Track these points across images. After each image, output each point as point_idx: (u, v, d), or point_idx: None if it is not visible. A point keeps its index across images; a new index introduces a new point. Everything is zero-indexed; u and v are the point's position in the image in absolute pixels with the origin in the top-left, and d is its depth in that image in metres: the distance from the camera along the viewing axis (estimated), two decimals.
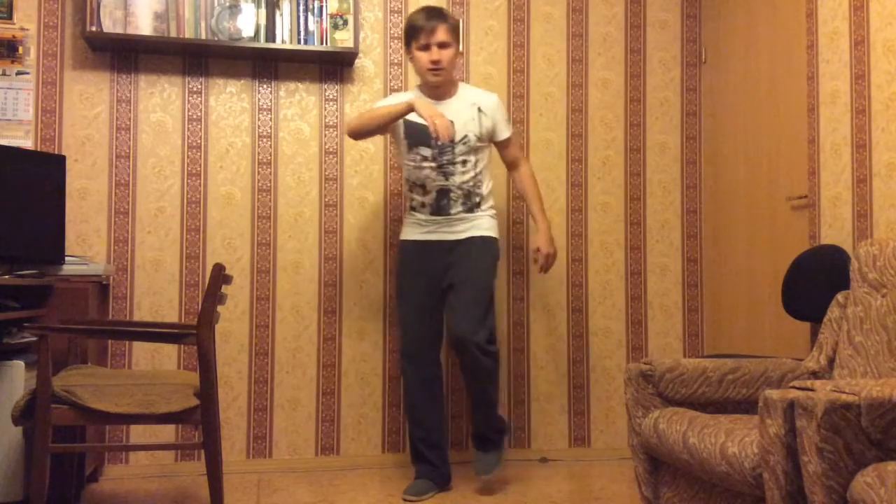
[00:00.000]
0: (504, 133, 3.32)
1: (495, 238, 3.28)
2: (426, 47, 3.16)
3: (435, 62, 3.15)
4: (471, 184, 3.21)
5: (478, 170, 3.23)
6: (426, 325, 3.26)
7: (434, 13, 3.19)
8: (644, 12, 4.08)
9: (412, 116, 3.18)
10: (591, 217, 3.99)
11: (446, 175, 3.19)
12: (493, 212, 3.30)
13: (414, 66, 3.26)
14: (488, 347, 3.13)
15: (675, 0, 4.11)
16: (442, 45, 3.16)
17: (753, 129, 3.66)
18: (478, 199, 3.24)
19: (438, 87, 3.23)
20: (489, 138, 3.29)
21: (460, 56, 3.27)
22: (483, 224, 3.24)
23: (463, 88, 3.31)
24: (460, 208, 3.21)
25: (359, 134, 3.24)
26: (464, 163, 3.19)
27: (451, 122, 3.09)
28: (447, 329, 3.24)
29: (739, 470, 1.99)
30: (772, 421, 1.83)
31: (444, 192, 3.20)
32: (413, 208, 3.28)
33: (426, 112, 3.05)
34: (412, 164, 3.22)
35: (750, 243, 3.68)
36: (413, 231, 3.28)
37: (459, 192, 3.20)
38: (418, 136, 3.20)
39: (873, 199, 2.91)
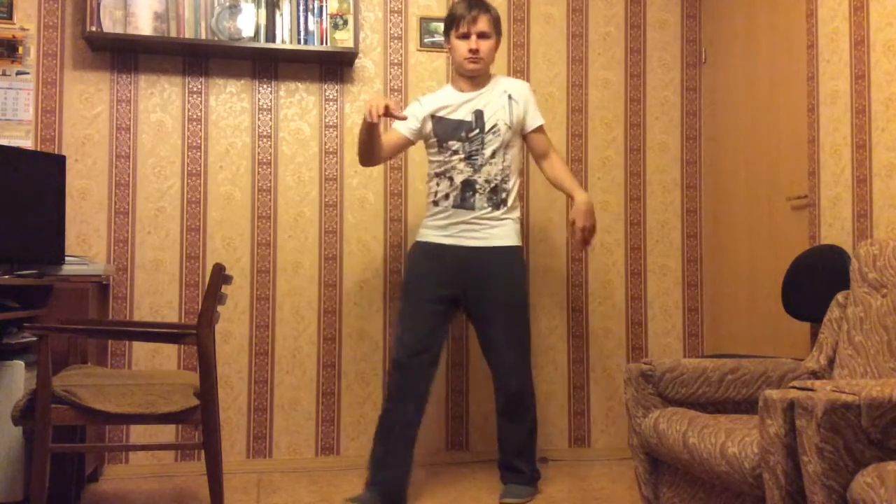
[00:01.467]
0: (536, 121, 3.25)
1: (519, 247, 3.19)
2: (466, 36, 3.13)
3: (473, 51, 3.12)
4: (498, 178, 3.13)
5: (506, 164, 3.15)
6: (424, 333, 3.06)
7: (476, 3, 3.16)
8: (644, 12, 4.08)
9: (441, 112, 3.17)
10: None
11: (475, 167, 3.12)
12: (518, 214, 3.21)
13: (451, 55, 3.24)
14: (530, 391, 3.20)
15: (675, 0, 4.11)
16: (482, 36, 3.14)
17: (753, 129, 3.66)
18: (504, 195, 3.14)
19: (473, 77, 3.20)
20: (520, 128, 3.22)
21: (498, 48, 3.26)
22: (505, 232, 3.15)
23: (495, 78, 3.26)
24: (485, 205, 3.12)
25: (363, 159, 3.19)
26: (493, 154, 3.13)
27: (387, 103, 2.90)
28: (490, 365, 3.19)
29: (739, 470, 1.99)
30: (772, 421, 1.83)
31: (469, 185, 3.11)
32: (435, 202, 3.17)
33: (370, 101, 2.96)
34: (442, 157, 3.16)
35: (750, 243, 3.67)
36: (430, 233, 3.17)
37: (487, 185, 3.12)
38: (445, 132, 3.16)
39: (873, 199, 2.91)
